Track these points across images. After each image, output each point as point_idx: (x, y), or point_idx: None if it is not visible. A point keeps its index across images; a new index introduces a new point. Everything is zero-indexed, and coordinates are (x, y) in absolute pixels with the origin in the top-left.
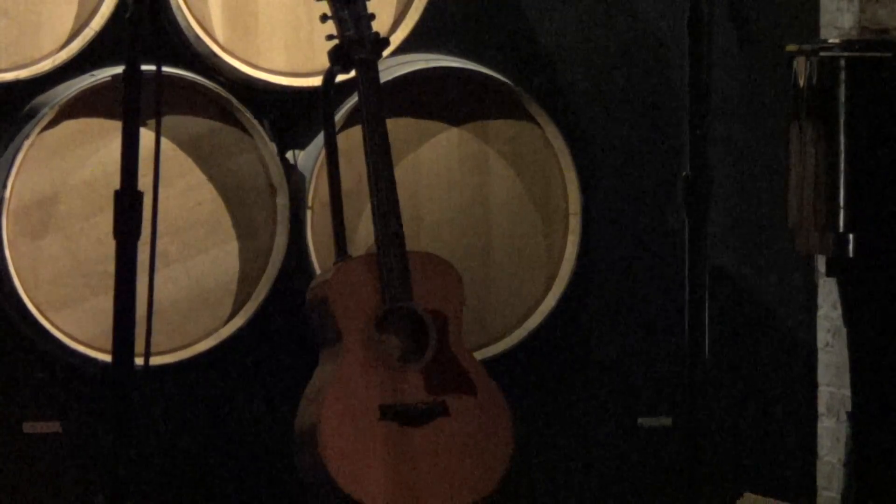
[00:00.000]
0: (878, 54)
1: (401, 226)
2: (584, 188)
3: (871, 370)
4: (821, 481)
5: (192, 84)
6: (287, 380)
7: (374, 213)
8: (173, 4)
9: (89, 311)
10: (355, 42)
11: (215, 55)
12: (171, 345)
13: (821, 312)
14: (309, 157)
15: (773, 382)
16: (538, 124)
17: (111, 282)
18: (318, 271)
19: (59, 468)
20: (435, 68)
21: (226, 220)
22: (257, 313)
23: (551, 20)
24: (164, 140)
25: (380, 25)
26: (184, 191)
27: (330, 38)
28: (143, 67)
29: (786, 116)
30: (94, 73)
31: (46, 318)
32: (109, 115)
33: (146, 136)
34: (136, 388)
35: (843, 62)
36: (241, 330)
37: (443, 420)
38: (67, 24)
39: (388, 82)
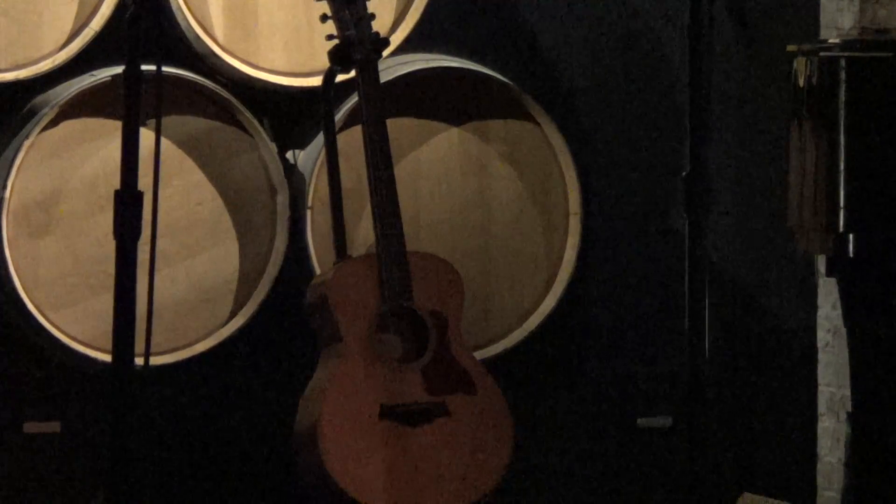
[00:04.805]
0: (878, 54)
1: (401, 226)
2: (584, 188)
3: (871, 370)
4: (821, 481)
5: (192, 84)
6: (287, 380)
7: (374, 213)
8: (173, 4)
9: (89, 311)
10: (355, 42)
11: (215, 55)
12: (171, 345)
13: (821, 312)
14: (309, 157)
15: (773, 382)
16: (538, 124)
17: (111, 282)
18: (318, 271)
19: (59, 468)
20: (435, 68)
21: (226, 220)
22: (257, 313)
23: (551, 20)
24: (164, 140)
25: (380, 25)
26: (184, 191)
27: (330, 38)
28: (143, 67)
29: (786, 116)
30: (94, 73)
31: (46, 318)
32: (109, 115)
33: (146, 136)
34: (136, 388)
35: (843, 62)
36: (241, 330)
37: (443, 420)
38: (67, 24)
39: (388, 82)
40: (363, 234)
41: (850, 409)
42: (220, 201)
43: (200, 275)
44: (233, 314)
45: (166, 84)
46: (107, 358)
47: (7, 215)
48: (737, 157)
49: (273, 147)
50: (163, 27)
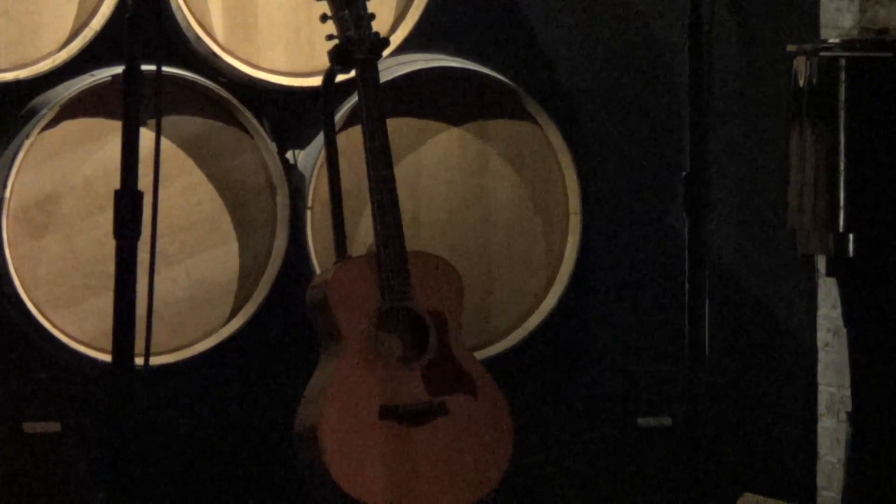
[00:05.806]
0: (878, 54)
1: (401, 226)
2: (584, 188)
3: (871, 370)
4: (821, 481)
5: (192, 84)
6: (287, 380)
7: (373, 213)
8: (173, 4)
9: (89, 311)
10: (355, 42)
11: (215, 55)
12: (171, 345)
13: (821, 312)
14: (309, 157)
15: (773, 382)
16: (538, 124)
17: (111, 282)
18: (318, 271)
19: (59, 468)
20: (435, 68)
21: (226, 220)
22: (257, 313)
23: (551, 20)
24: (164, 140)
25: (380, 25)
26: (184, 190)
27: (330, 38)
28: (143, 67)
29: (786, 116)
30: (94, 73)
31: (46, 318)
32: (109, 115)
33: (146, 136)
34: (136, 388)
35: (843, 62)
36: (241, 330)
37: (443, 420)
38: (67, 24)
39: (388, 82)
40: (363, 234)
41: (850, 409)
42: (220, 201)
43: (200, 275)
44: (233, 314)
45: (166, 84)
46: (107, 358)
47: (7, 215)
48: (737, 156)
49: (273, 147)
50: (163, 27)
